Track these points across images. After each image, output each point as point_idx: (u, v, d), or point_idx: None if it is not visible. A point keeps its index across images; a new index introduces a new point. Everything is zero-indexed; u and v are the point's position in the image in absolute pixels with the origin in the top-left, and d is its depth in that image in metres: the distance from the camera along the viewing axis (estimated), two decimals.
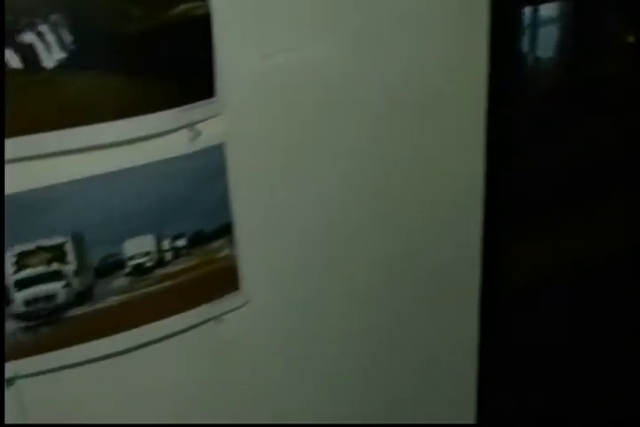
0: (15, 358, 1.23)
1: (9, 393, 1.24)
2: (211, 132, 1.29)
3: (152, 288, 1.31)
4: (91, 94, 1.16)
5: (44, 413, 1.29)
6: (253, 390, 1.51)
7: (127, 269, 1.28)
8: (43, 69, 1.11)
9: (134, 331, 1.31)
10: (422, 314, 1.67)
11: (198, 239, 1.33)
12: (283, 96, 1.36)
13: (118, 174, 1.22)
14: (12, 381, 1.23)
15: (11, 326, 1.21)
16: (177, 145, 1.26)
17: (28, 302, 1.21)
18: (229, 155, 1.32)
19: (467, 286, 1.71)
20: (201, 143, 1.28)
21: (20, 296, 1.20)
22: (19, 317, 1.21)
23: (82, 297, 1.25)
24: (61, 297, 1.23)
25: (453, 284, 1.69)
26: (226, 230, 1.36)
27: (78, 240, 1.22)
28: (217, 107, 1.28)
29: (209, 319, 1.39)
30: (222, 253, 1.37)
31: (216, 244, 1.36)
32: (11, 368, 1.23)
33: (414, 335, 1.68)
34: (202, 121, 1.27)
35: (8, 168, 1.13)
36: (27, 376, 1.25)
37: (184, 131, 1.26)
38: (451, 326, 1.72)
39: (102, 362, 1.30)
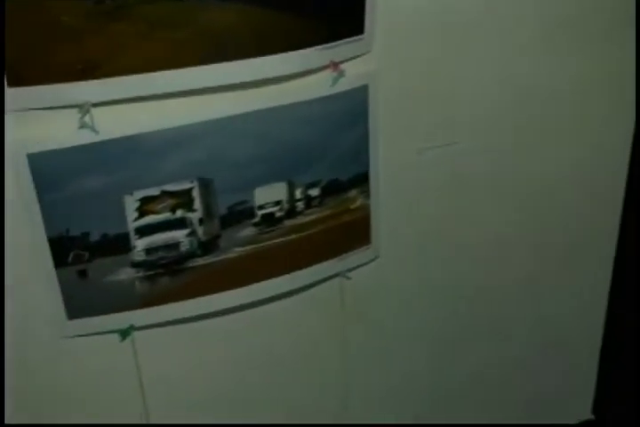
0: (131, 309, 1.16)
1: (124, 344, 1.18)
2: (355, 73, 1.17)
3: (280, 240, 1.21)
4: (231, 28, 1.05)
5: (159, 369, 1.23)
6: (378, 347, 1.43)
7: (255, 219, 1.19)
8: None
9: (258, 285, 1.22)
10: (552, 280, 1.56)
11: (333, 188, 1.23)
12: (435, 36, 1.23)
13: (253, 116, 1.12)
14: (127, 332, 1.16)
15: (129, 274, 1.13)
16: (318, 86, 1.15)
17: (149, 251, 1.13)
18: (371, 98, 1.21)
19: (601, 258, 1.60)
20: (344, 85, 1.16)
21: (140, 244, 1.12)
22: (138, 265, 1.13)
23: (206, 247, 1.17)
24: (185, 246, 1.15)
25: (588, 249, 1.57)
26: (361, 180, 1.25)
27: (206, 186, 1.13)
28: (364, 45, 1.16)
29: (336, 274, 1.30)
30: (356, 204, 1.27)
31: (350, 194, 1.25)
32: (126, 318, 1.16)
33: (542, 303, 1.57)
34: (347, 60, 1.15)
35: (136, 106, 1.04)
36: (143, 328, 1.18)
37: (327, 71, 1.14)
38: (579, 300, 1.61)
39: (222, 317, 1.22)
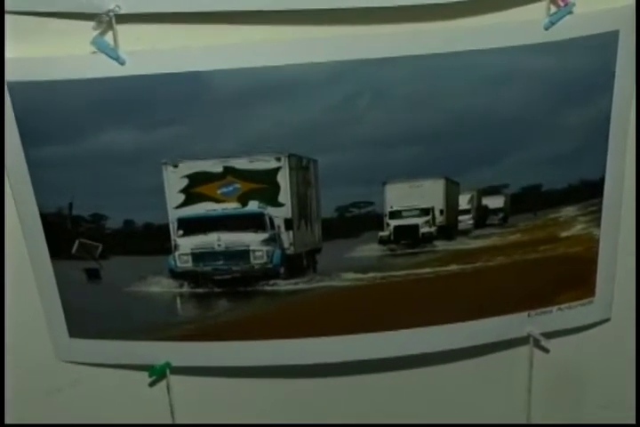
0: (166, 339, 0.86)
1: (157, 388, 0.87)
2: (594, 10, 0.77)
3: (425, 271, 0.86)
4: None
5: None
6: None
7: (385, 233, 0.84)
8: None
9: (381, 336, 0.88)
10: None
11: (530, 201, 0.83)
12: None
13: (403, 64, 0.76)
14: (160, 370, 0.86)
15: (166, 287, 0.85)
16: (523, 26, 0.77)
17: (198, 256, 0.84)
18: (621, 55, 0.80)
19: None
20: (571, 28, 0.77)
21: (186, 244, 0.84)
22: (182, 275, 0.85)
23: (294, 265, 0.86)
24: (259, 258, 0.85)
25: None
26: (587, 192, 0.85)
27: (303, 169, 0.82)
28: None
29: (524, 338, 0.92)
30: (571, 231, 0.87)
31: (563, 213, 0.87)
32: (158, 352, 0.86)
33: None
34: None
35: (191, 29, 0.72)
36: (183, 372, 0.88)
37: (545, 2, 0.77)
38: None
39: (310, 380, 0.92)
